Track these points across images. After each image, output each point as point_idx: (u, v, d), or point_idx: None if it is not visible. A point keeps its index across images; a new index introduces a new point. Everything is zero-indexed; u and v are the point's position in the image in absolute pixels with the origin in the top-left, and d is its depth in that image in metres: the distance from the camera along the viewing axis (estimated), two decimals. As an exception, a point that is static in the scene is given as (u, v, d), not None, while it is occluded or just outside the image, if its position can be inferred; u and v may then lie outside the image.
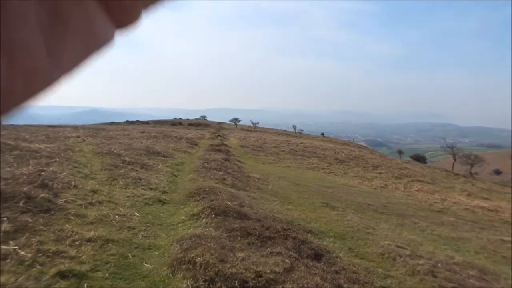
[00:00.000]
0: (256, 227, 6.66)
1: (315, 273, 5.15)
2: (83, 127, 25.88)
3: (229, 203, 8.13)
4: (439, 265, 7.00)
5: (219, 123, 65.82)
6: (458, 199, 19.29)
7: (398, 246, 7.74)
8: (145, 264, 4.88)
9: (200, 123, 58.93)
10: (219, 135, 34.94)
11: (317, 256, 6.15)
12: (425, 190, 21.51)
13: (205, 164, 14.45)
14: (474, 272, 7.13)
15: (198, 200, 8.48)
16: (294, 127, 64.98)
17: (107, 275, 4.36)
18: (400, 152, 55.43)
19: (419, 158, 51.04)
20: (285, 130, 65.63)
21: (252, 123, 64.34)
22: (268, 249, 5.77)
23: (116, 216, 6.49)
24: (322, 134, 68.06)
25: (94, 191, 7.83)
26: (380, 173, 26.34)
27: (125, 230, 5.96)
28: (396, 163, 34.30)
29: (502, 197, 23.14)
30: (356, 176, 23.37)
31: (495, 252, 9.56)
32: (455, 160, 44.12)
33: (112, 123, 48.10)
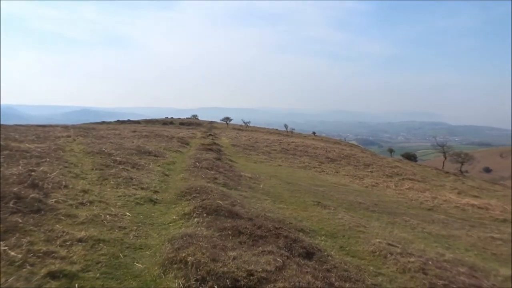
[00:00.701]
0: (247, 226, 6.66)
1: (307, 272, 5.16)
2: (74, 126, 25.70)
3: (220, 202, 8.14)
4: (430, 262, 7.06)
5: (211, 122, 65.80)
6: (449, 197, 19.47)
7: (389, 244, 7.79)
8: (137, 264, 4.87)
9: (192, 122, 58.84)
10: (210, 134, 34.91)
11: (309, 254, 6.17)
12: (416, 188, 21.67)
13: (197, 163, 14.43)
14: (464, 269, 7.21)
15: (189, 200, 8.47)
16: (286, 126, 65.18)
17: (98, 275, 4.34)
18: (391, 151, 55.89)
19: (410, 157, 51.43)
20: (276, 129, 65.79)
21: (244, 122, 64.39)
22: (260, 248, 5.78)
23: (107, 216, 6.46)
24: (314, 133, 68.30)
25: (85, 191, 7.78)
26: (371, 171, 26.48)
27: (116, 230, 5.93)
28: (387, 161, 34.51)
29: (492, 195, 23.41)
30: (347, 175, 23.47)
31: (485, 249, 9.68)
32: (445, 158, 44.56)
33: (103, 123, 47.82)
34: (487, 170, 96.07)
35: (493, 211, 16.74)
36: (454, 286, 6.12)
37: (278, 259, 5.33)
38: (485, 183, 32.90)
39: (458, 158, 43.28)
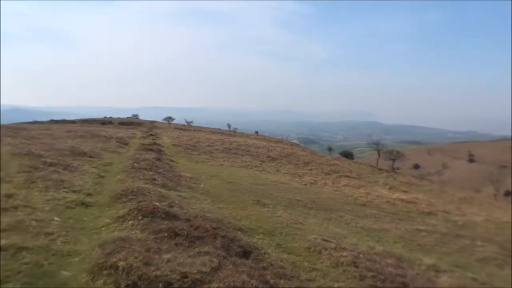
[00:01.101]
0: (184, 227, 6.59)
1: (243, 271, 5.21)
2: (2, 126, 23.92)
3: (157, 203, 7.96)
4: (361, 255, 7.42)
5: (152, 122, 64.08)
6: (381, 193, 20.54)
7: (324, 240, 8.08)
8: (63, 272, 4.63)
9: (132, 122, 56.97)
10: (151, 134, 34.03)
11: (246, 253, 6.24)
12: (351, 185, 22.63)
13: (135, 164, 14.02)
14: (392, 260, 7.65)
15: (125, 202, 8.20)
16: (229, 125, 65.16)
17: (18, 286, 4.07)
18: (330, 149, 57.89)
19: (347, 155, 53.69)
20: (219, 129, 65.53)
21: (186, 121, 63.55)
22: (196, 249, 5.74)
23: (33, 222, 6.08)
24: (256, 132, 68.93)
25: (9, 196, 7.30)
26: (311, 169, 27.26)
27: (42, 236, 5.60)
28: (326, 159, 35.71)
29: (419, 190, 25.06)
30: (287, 173, 23.97)
31: (411, 241, 10.34)
32: (379, 155, 46.94)
33: (35, 122, 44.90)
34: (416, 166, 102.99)
35: (420, 205, 17.93)
36: (382, 277, 6.48)
37: (214, 259, 5.33)
38: (414, 178, 35.14)
39: (390, 156, 45.74)
